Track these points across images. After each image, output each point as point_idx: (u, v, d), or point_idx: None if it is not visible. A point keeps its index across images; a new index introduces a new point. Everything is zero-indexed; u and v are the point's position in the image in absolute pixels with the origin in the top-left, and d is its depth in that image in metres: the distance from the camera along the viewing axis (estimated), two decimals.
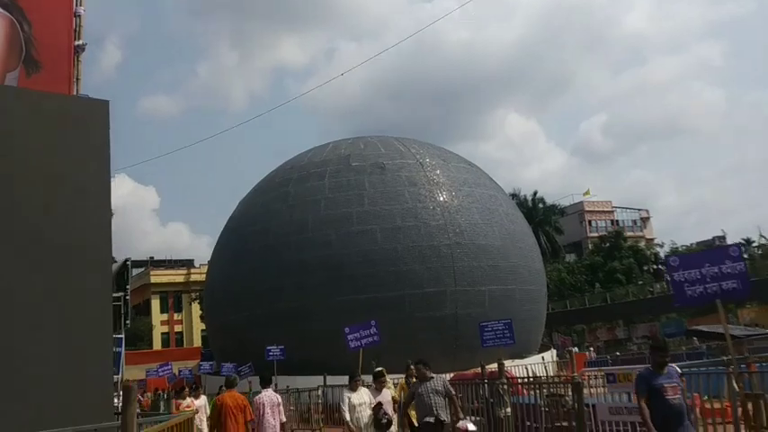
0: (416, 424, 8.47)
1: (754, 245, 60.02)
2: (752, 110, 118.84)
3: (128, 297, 14.66)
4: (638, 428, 8.71)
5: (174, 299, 58.15)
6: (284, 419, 9.28)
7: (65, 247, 6.68)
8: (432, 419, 7.64)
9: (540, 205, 65.65)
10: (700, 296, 8.28)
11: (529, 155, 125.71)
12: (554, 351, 31.90)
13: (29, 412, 5.92)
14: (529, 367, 20.69)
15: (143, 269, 62.57)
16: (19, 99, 7.03)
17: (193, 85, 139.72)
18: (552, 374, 23.05)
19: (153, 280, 57.52)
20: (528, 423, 9.70)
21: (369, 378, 10.64)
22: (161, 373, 27.64)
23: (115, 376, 13.65)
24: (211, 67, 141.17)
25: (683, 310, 42.24)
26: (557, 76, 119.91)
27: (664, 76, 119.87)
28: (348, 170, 28.88)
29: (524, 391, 11.03)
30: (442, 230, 26.84)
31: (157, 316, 56.84)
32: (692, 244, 65.15)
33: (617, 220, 73.26)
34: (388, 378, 11.23)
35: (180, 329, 57.84)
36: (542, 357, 25.50)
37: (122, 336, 13.02)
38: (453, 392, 8.04)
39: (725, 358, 11.97)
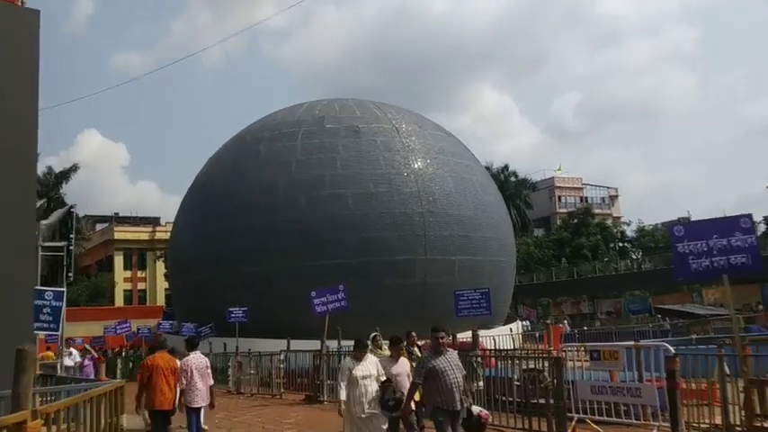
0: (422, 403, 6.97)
1: None
2: (721, 95, 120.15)
3: (71, 247, 13.72)
4: (621, 408, 8.41)
5: (138, 256, 56.92)
6: (212, 383, 8.58)
7: None
8: (456, 406, 6.01)
9: (512, 179, 65.55)
10: (706, 270, 7.70)
11: (502, 130, 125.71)
12: (519, 323, 31.98)
13: None
14: (497, 338, 20.53)
15: (107, 224, 61.11)
16: None
17: (166, 42, 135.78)
18: (519, 346, 23.00)
19: (117, 236, 56.15)
20: (501, 398, 9.31)
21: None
22: (119, 331, 26.92)
23: (55, 333, 12.95)
24: (185, 26, 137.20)
25: (648, 287, 42.77)
26: (533, 52, 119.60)
27: (638, 58, 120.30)
28: (322, 132, 28.12)
29: (496, 363, 10.66)
30: (414, 198, 26.38)
31: (120, 273, 55.61)
32: (656, 224, 65.89)
33: (586, 197, 73.68)
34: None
35: (143, 287, 56.81)
36: (510, 329, 25.44)
37: (64, 289, 12.09)
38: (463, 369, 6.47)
39: (723, 338, 11.66)
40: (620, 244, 62.15)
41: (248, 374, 17.48)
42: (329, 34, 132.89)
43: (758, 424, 6.93)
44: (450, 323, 16.51)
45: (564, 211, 69.51)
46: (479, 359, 10.16)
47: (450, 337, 11.85)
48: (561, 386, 7.96)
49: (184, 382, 8.16)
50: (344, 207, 25.79)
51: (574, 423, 8.45)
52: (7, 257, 6.30)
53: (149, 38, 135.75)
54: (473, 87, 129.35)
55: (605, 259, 55.11)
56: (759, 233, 44.50)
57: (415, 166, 27.28)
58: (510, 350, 15.56)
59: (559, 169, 71.87)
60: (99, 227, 62.56)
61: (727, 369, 7.63)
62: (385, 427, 7.06)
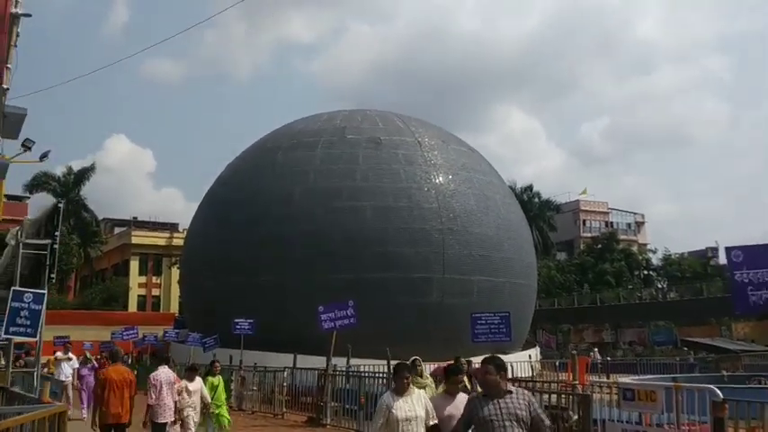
0: None
1: None
2: (752, 127, 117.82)
3: (55, 246, 12.93)
4: None
5: (154, 262, 56.58)
6: (176, 398, 8.46)
7: None
8: None
9: (536, 200, 64.34)
10: (767, 304, 6.62)
11: (528, 152, 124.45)
12: (538, 349, 30.78)
13: None
14: (515, 365, 19.43)
15: (125, 228, 60.91)
16: None
17: (199, 51, 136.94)
18: (536, 374, 21.88)
19: (134, 241, 55.87)
20: None
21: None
22: (125, 337, 26.24)
23: (32, 339, 12.11)
24: (219, 36, 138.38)
25: (674, 318, 41.19)
26: (564, 76, 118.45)
27: (669, 86, 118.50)
28: (342, 142, 27.40)
29: None
30: (435, 214, 25.48)
31: (135, 278, 55.28)
32: (683, 253, 64.17)
33: (611, 222, 72.12)
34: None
35: (158, 294, 56.40)
36: (529, 356, 24.30)
37: (45, 291, 11.20)
38: (546, 420, 4.59)
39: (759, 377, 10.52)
40: (645, 272, 60.49)
41: (251, 390, 16.61)
42: (358, 51, 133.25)
43: None
44: (466, 347, 15.57)
45: (588, 235, 68.08)
46: None
47: (465, 364, 10.85)
48: (589, 427, 6.97)
49: (153, 397, 7.95)
50: (362, 220, 24.96)
51: None
52: None
53: (182, 47, 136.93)
54: (501, 108, 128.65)
55: (629, 287, 53.54)
56: None
57: (437, 181, 26.40)
58: (529, 379, 14.50)
59: (585, 192, 70.48)
60: (117, 231, 62.50)
61: None
62: None
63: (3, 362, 16.79)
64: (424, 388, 6.90)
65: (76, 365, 17.79)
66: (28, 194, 51.22)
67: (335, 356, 15.95)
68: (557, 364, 24.75)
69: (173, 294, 54.30)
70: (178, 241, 52.71)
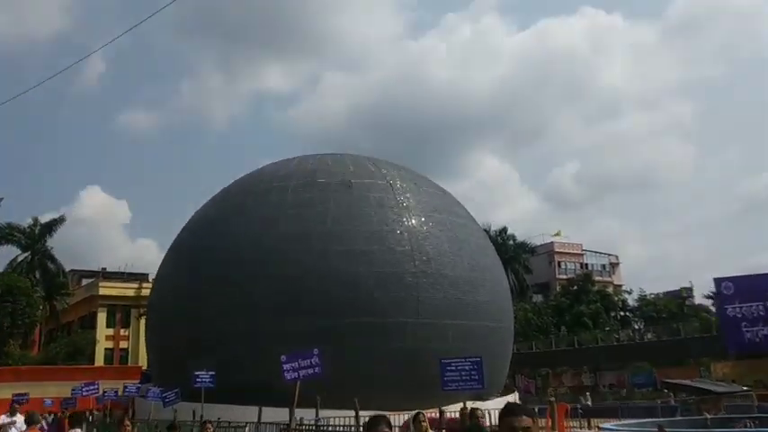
0: None
1: None
2: (718, 170, 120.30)
3: None
4: None
5: (122, 313, 54.94)
6: None
7: None
8: None
9: (510, 242, 64.28)
10: (765, 340, 5.99)
11: (501, 197, 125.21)
12: (517, 394, 29.99)
13: None
14: (493, 413, 18.66)
15: (92, 280, 59.29)
16: None
17: (174, 103, 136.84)
18: None
19: (101, 292, 54.30)
20: None
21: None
22: (84, 393, 24.96)
23: None
24: (194, 87, 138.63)
25: (652, 359, 40.74)
26: (535, 122, 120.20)
27: (636, 131, 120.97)
28: (313, 186, 26.95)
29: None
30: (407, 257, 24.96)
31: (103, 330, 53.47)
32: (658, 293, 64.25)
33: (586, 264, 72.22)
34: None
35: (126, 346, 54.59)
36: (507, 402, 23.50)
37: None
38: None
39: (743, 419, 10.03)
40: (622, 313, 60.32)
41: None
42: (333, 100, 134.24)
43: None
44: (441, 395, 14.86)
45: (564, 277, 67.97)
46: None
47: (438, 413, 10.14)
48: None
49: None
50: (334, 265, 24.33)
51: None
52: None
53: (157, 98, 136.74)
54: (474, 154, 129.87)
55: (606, 328, 53.18)
56: None
57: (409, 223, 25.97)
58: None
59: (558, 234, 70.66)
60: (85, 282, 60.81)
61: None
62: None
63: None
64: None
65: (24, 428, 16.58)
66: None
67: (305, 408, 15.17)
68: (536, 409, 23.97)
69: (141, 347, 52.50)
70: (147, 292, 51.28)
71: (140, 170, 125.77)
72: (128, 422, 9.75)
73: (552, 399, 13.77)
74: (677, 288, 65.13)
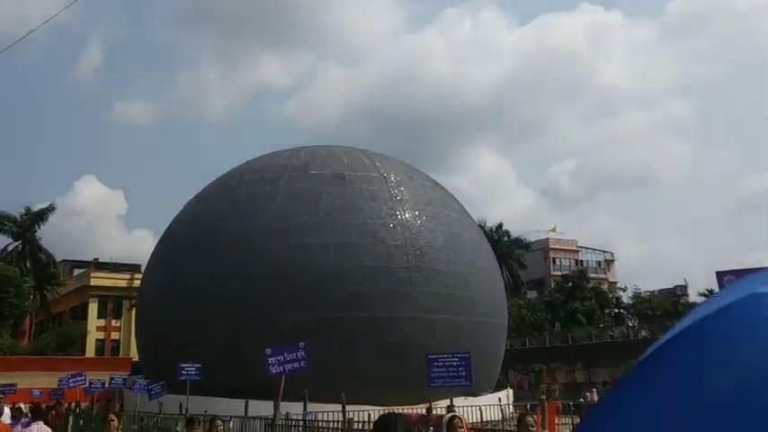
0: None
1: None
2: (714, 169, 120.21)
3: None
4: None
5: (114, 304, 54.54)
6: None
7: None
8: None
9: (505, 238, 64.02)
10: None
11: (498, 193, 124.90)
12: (510, 390, 29.76)
13: None
14: (484, 409, 18.43)
15: (84, 270, 58.86)
16: None
17: (172, 94, 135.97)
18: (507, 418, 20.90)
19: (93, 282, 53.87)
20: None
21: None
22: (71, 384, 24.60)
23: None
24: (191, 79, 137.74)
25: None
26: (533, 118, 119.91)
27: (634, 129, 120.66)
28: (305, 178, 26.60)
29: None
30: (400, 251, 24.67)
31: (94, 321, 53.08)
32: (653, 291, 64.17)
33: (581, 260, 72.04)
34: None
35: (117, 337, 54.22)
36: (499, 398, 23.29)
37: None
38: None
39: None
40: (616, 310, 60.19)
41: None
42: (331, 94, 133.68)
43: None
44: (428, 390, 14.58)
45: (558, 273, 67.78)
46: None
47: (425, 410, 9.87)
48: None
49: None
50: (326, 258, 24.03)
51: None
52: None
53: (155, 89, 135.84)
54: (471, 150, 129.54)
55: (600, 325, 53.03)
56: None
57: (403, 217, 25.67)
58: (497, 426, 13.54)
59: (554, 230, 70.45)
60: (77, 272, 60.39)
61: None
62: None
63: None
64: None
65: (8, 421, 16.24)
66: None
67: (293, 402, 14.91)
68: (528, 406, 23.74)
69: (133, 338, 52.20)
70: (139, 282, 50.96)
71: (137, 161, 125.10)
72: (113, 416, 9.21)
73: (543, 397, 13.47)
74: (672, 286, 65.09)
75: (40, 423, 8.83)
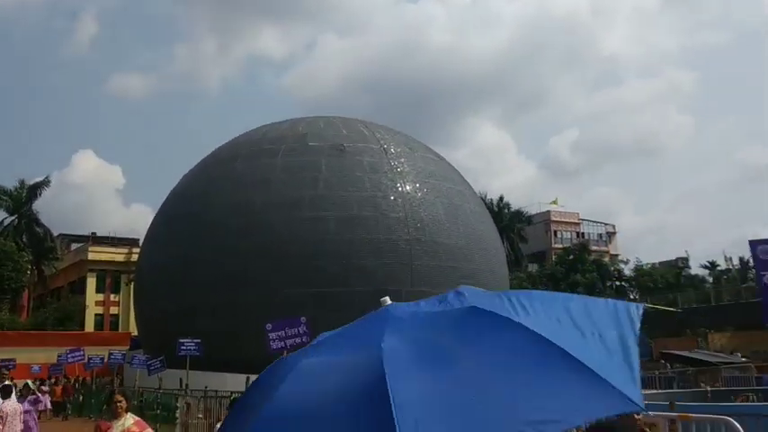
0: None
1: (720, 268, 58.97)
2: (717, 138, 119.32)
3: None
4: None
5: (112, 279, 54.23)
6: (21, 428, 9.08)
7: None
8: None
9: (506, 211, 63.55)
10: None
11: (498, 165, 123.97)
12: None
13: None
14: None
15: (81, 245, 58.47)
16: None
17: (169, 67, 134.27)
18: None
19: (91, 257, 53.49)
20: None
21: None
22: (70, 359, 24.40)
23: None
24: (188, 51, 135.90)
25: (648, 329, 40.39)
26: (533, 89, 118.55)
27: (636, 99, 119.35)
28: (304, 150, 26.04)
29: None
30: (401, 224, 24.24)
31: (92, 296, 52.84)
32: (654, 263, 64.00)
33: (583, 233, 71.70)
34: None
35: (116, 312, 54.04)
36: None
37: None
38: None
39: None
40: (618, 282, 60.01)
41: (196, 419, 15.06)
42: (330, 65, 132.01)
43: None
44: None
45: (560, 246, 67.46)
46: None
47: None
48: None
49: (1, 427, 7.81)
50: (325, 231, 23.63)
51: None
52: None
53: (151, 62, 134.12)
54: (471, 121, 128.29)
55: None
56: None
57: (403, 189, 25.18)
58: None
59: (555, 202, 69.96)
60: (75, 247, 60.02)
61: None
62: None
63: None
64: None
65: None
66: None
67: None
68: None
69: (131, 313, 52.02)
70: (137, 257, 50.62)
71: (134, 135, 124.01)
72: (119, 396, 7.96)
73: None
74: (674, 258, 64.86)
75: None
